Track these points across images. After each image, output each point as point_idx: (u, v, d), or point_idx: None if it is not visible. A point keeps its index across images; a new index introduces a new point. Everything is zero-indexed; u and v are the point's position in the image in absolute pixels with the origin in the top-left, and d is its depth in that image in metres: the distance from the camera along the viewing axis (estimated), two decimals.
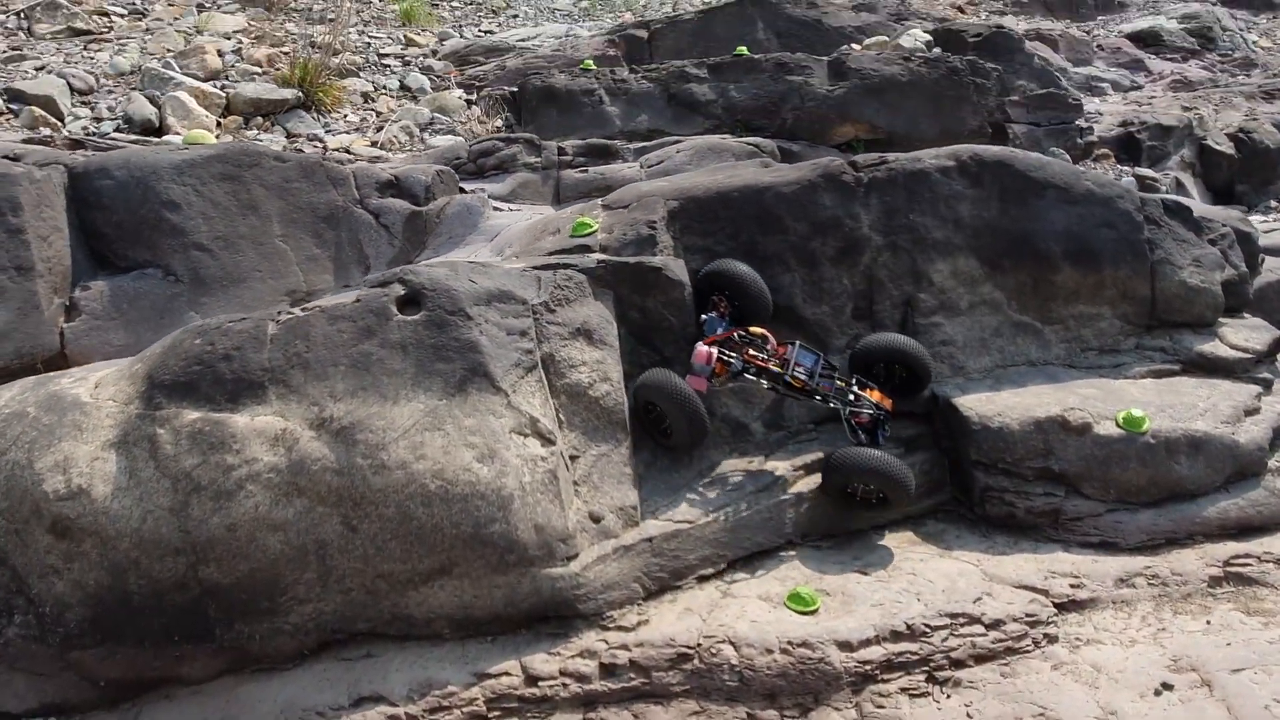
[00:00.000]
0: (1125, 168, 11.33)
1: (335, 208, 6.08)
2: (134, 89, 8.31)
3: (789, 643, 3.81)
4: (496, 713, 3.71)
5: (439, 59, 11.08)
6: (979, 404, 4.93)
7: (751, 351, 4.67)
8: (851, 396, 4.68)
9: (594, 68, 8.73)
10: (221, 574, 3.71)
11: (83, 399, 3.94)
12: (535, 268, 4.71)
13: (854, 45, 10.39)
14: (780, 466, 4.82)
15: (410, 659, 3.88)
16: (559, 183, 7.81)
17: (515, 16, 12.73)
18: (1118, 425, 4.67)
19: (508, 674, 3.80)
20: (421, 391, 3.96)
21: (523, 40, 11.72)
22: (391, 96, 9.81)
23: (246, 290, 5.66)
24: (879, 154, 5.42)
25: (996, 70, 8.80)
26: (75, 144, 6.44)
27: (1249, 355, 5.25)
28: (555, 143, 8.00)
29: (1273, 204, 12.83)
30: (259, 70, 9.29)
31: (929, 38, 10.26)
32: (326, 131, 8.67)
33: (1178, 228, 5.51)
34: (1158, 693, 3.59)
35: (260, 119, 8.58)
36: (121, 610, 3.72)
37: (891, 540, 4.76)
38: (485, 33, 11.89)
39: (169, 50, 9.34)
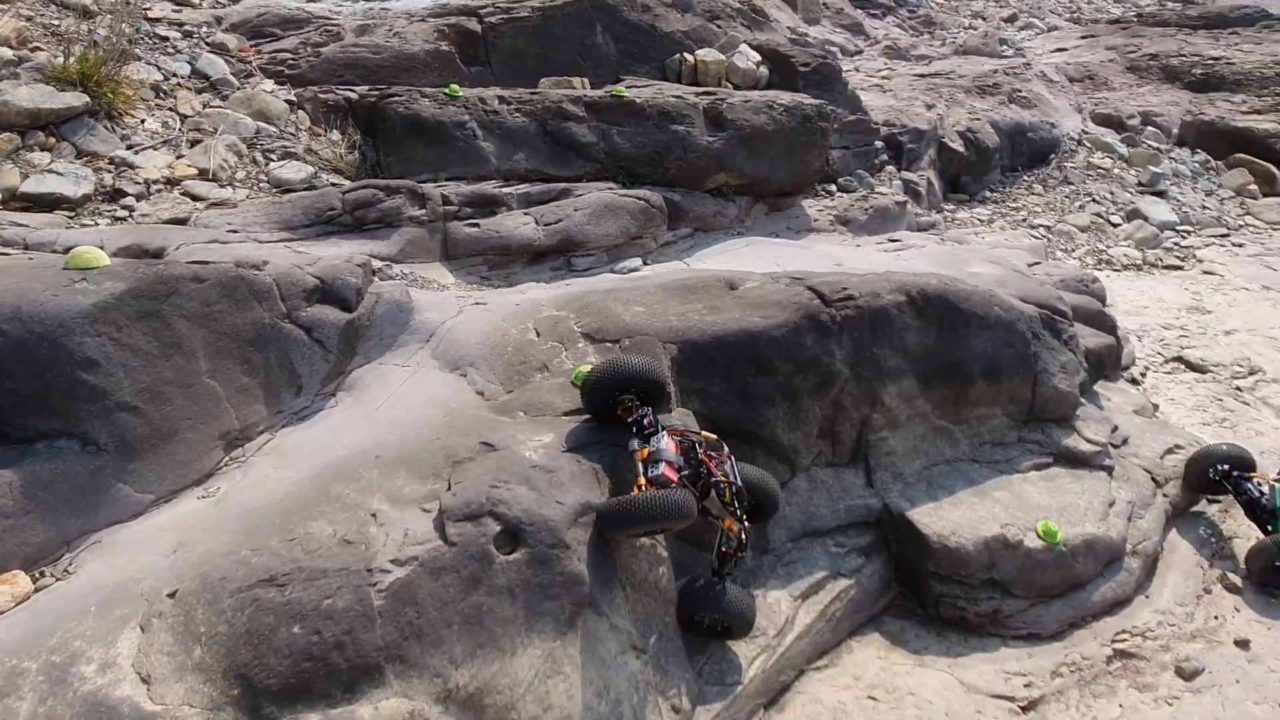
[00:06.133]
0: (893, 168, 12.79)
1: (261, 327, 5.30)
2: None
3: None
4: None
5: (224, 30, 9.46)
6: (930, 520, 5.73)
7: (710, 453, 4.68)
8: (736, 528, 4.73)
9: (461, 93, 8.05)
10: None
11: (144, 708, 3.32)
12: (572, 448, 4.60)
13: (687, 55, 10.50)
14: (781, 600, 5.30)
15: None
16: (447, 237, 7.33)
17: None
18: (1039, 536, 5.71)
19: None
20: (535, 636, 3.85)
21: (321, 6, 10.34)
22: (191, 90, 8.31)
23: (179, 445, 4.84)
24: (844, 289, 5.83)
25: (836, 114, 9.45)
26: None
27: (1099, 447, 6.57)
28: (438, 190, 7.43)
29: (987, 193, 15.27)
30: (10, 51, 7.38)
31: (758, 56, 10.64)
32: (128, 148, 7.25)
33: (1049, 339, 6.63)
34: None
35: (41, 134, 6.95)
36: None
37: (869, 649, 5.50)
38: None
39: None
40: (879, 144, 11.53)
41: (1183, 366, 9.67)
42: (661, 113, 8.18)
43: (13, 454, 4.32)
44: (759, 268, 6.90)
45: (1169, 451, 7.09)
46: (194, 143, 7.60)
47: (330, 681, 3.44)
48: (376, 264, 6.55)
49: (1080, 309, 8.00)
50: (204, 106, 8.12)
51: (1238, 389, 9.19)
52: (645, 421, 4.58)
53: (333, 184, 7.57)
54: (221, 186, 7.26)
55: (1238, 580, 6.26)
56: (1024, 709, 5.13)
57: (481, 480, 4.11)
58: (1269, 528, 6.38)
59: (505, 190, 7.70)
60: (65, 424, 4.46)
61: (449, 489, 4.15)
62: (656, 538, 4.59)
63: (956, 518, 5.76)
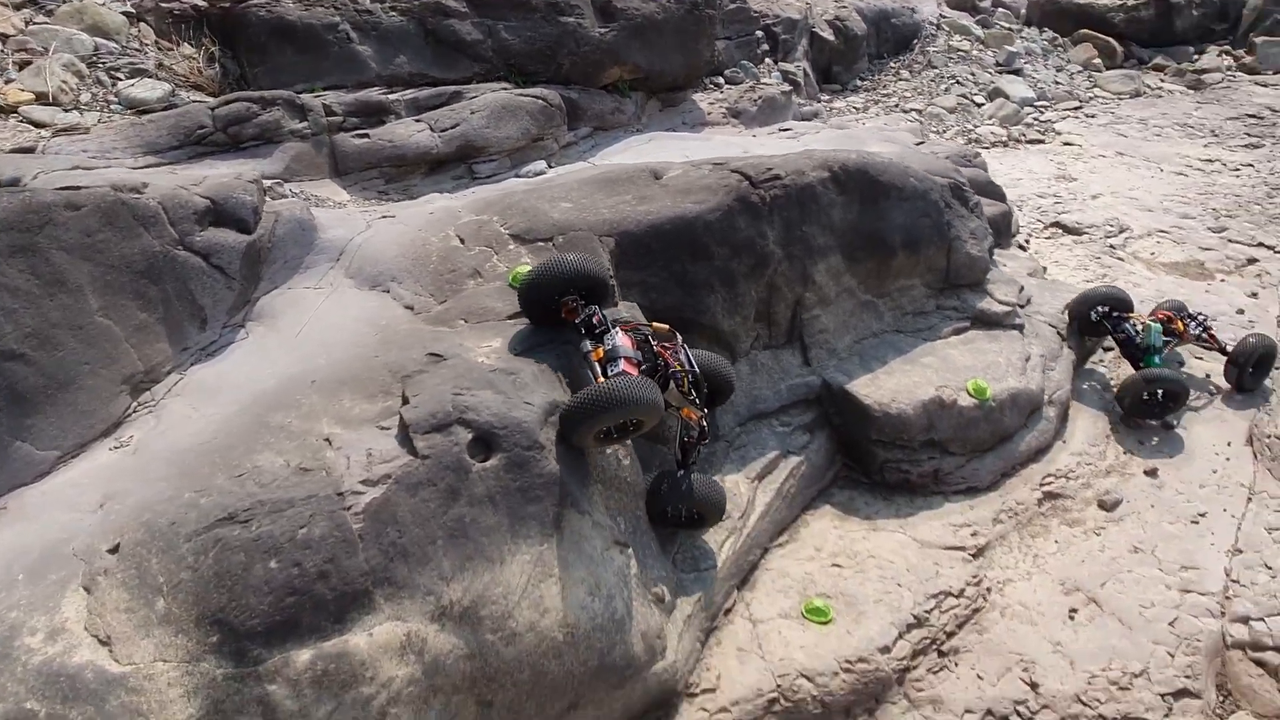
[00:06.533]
0: (770, 61, 12.71)
1: (153, 256, 4.76)
2: None
3: (848, 661, 4.54)
4: None
5: None
6: (869, 390, 5.86)
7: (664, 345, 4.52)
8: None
9: None
10: None
11: (110, 670, 3.00)
12: (523, 352, 4.38)
13: None
14: (740, 483, 5.33)
15: None
16: (335, 151, 6.80)
17: None
18: (970, 394, 5.94)
19: None
20: (522, 541, 3.70)
21: None
22: (7, 5, 7.26)
23: (79, 393, 4.35)
24: (769, 169, 5.73)
25: (718, 1, 9.21)
26: None
27: (1010, 308, 6.84)
28: (319, 100, 6.83)
29: (858, 82, 15.46)
30: None
31: None
32: None
33: (959, 207, 6.79)
34: (1071, 616, 5.03)
35: None
36: None
37: (824, 520, 5.64)
38: None
39: None
40: (759, 34, 11.38)
41: (1061, 231, 10.20)
42: (549, 4, 7.72)
43: None
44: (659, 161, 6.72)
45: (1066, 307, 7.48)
46: (23, 65, 6.67)
47: (318, 614, 3.20)
48: (265, 184, 5.98)
49: (973, 180, 8.22)
50: (26, 24, 7.12)
51: (1111, 247, 9.78)
52: (594, 320, 4.36)
53: (195, 101, 6.83)
54: (66, 111, 6.43)
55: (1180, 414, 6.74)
56: (974, 556, 5.39)
57: (441, 390, 3.85)
58: (1140, 364, 6.86)
59: (392, 97, 7.15)
60: None
61: (406, 403, 3.88)
62: (626, 444, 4.45)
63: (892, 386, 5.90)
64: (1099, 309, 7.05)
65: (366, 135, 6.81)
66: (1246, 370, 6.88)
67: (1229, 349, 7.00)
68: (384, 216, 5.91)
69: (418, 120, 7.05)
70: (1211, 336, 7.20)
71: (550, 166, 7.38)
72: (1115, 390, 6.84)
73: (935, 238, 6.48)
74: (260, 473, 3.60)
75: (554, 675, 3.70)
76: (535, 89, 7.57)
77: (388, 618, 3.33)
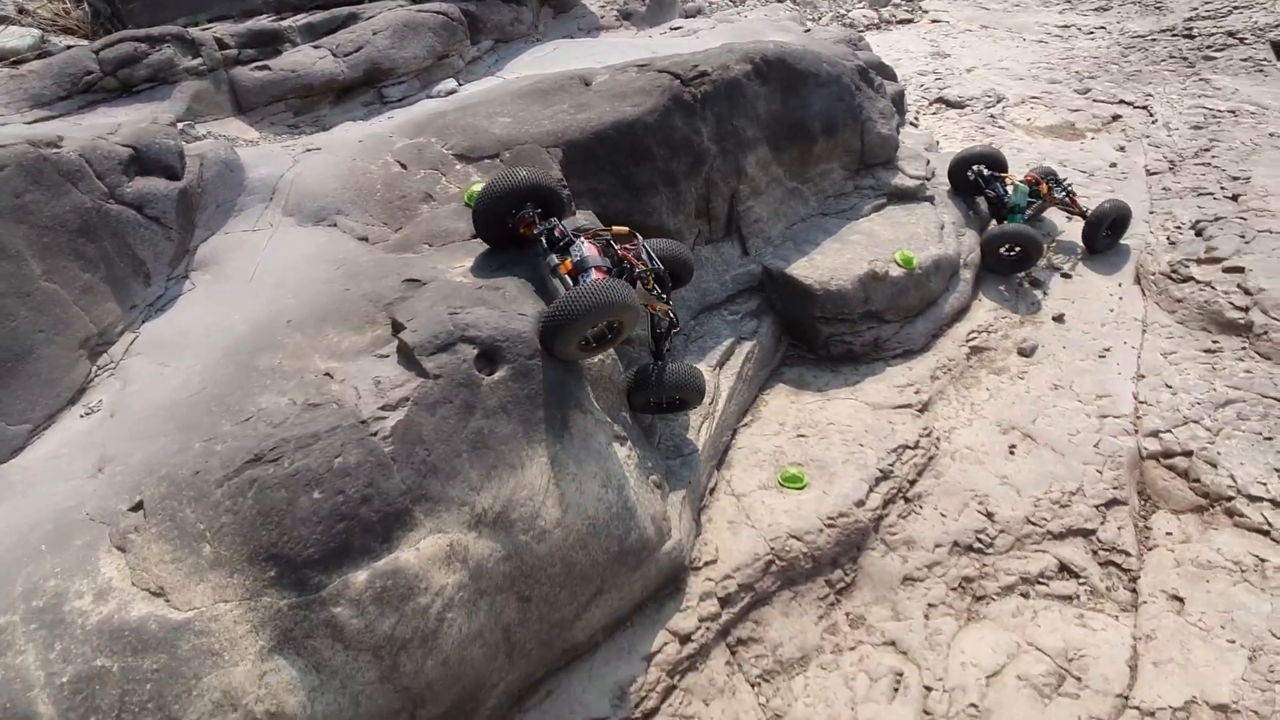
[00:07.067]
0: None
1: (86, 213, 4.53)
2: None
3: (829, 518, 4.96)
4: (676, 677, 4.30)
5: None
6: (808, 272, 6.18)
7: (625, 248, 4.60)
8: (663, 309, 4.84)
9: None
10: (438, 706, 3.49)
11: (173, 618, 3.04)
12: (496, 270, 4.45)
13: None
14: (704, 371, 5.60)
15: (586, 677, 4.16)
16: (235, 86, 6.49)
17: None
18: (899, 265, 6.35)
19: (666, 644, 4.35)
20: (538, 445, 3.86)
21: None
22: None
23: (39, 363, 4.19)
24: (695, 66, 5.82)
25: None
26: None
27: (920, 181, 7.26)
28: (208, 33, 6.46)
29: None
30: None
31: None
32: None
33: (867, 90, 7.07)
34: (1011, 452, 5.60)
35: None
36: None
37: (781, 397, 6.01)
38: None
39: None
40: None
41: (944, 106, 10.70)
42: None
43: None
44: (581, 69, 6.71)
45: None
46: None
47: (367, 536, 3.30)
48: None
49: (868, 62, 8.53)
50: None
51: (991, 116, 10.36)
52: (556, 233, 4.40)
53: (73, 46, 6.34)
54: None
55: (1038, 275, 7.35)
56: (920, 411, 5.88)
57: (435, 311, 3.90)
58: (1003, 221, 7.43)
59: (284, 24, 6.81)
60: None
61: (399, 330, 3.91)
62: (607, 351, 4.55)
63: (829, 265, 6.24)
64: (974, 168, 7.54)
65: (266, 67, 6.50)
66: (1101, 232, 7.44)
67: (1088, 214, 7.57)
68: (309, 149, 5.73)
69: (316, 46, 6.76)
70: (1073, 200, 7.78)
71: (460, 85, 7.23)
72: (980, 243, 7.22)
73: (850, 121, 6.77)
74: (268, 414, 3.60)
75: (582, 565, 3.94)
76: (433, 3, 7.34)
77: (430, 531, 3.46)
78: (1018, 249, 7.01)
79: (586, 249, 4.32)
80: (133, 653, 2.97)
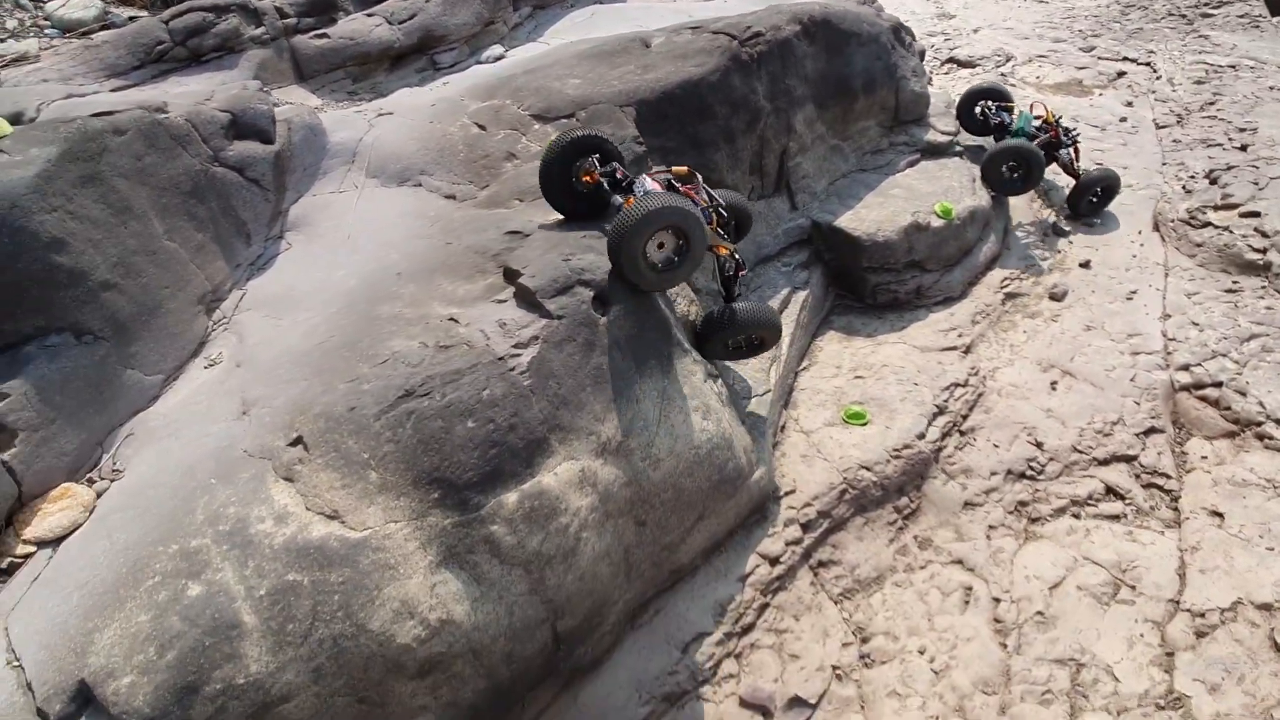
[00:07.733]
0: None
1: (195, 175, 4.77)
2: None
3: (894, 450, 5.32)
4: (769, 596, 4.67)
5: None
6: (855, 224, 6.50)
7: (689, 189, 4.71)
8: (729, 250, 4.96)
9: None
10: (573, 619, 3.83)
11: (351, 537, 3.35)
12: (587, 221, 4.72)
13: None
14: None
15: (689, 596, 4.52)
16: (296, 55, 6.68)
17: None
18: (938, 216, 6.68)
19: (759, 566, 4.71)
20: (648, 379, 4.17)
21: None
22: None
23: (166, 317, 4.45)
24: (749, 27, 6.07)
25: None
26: None
27: (951, 136, 7.57)
28: (270, 2, 6.63)
29: None
30: None
31: None
32: None
33: (900, 49, 7.35)
34: (1053, 387, 5.98)
35: None
36: (491, 704, 3.66)
37: (834, 343, 6.35)
38: None
39: None
40: None
41: (956, 65, 11.00)
42: None
43: (8, 364, 3.79)
44: (622, 32, 6.93)
45: None
46: None
47: (514, 461, 3.61)
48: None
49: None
50: None
51: (1002, 75, 10.66)
52: (618, 175, 4.56)
53: (131, 18, 6.49)
54: (1, 40, 6.01)
55: (1062, 223, 7.70)
56: (965, 353, 6.24)
57: (549, 258, 4.19)
58: None
59: None
60: (50, 318, 3.95)
61: (513, 276, 4.19)
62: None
63: (873, 218, 6.56)
64: (982, 102, 7.86)
65: (325, 35, 6.68)
66: (1088, 197, 7.59)
67: (1080, 175, 7.68)
68: (381, 114, 5.95)
69: (370, 14, 6.95)
70: (1076, 151, 7.83)
71: (506, 51, 7.44)
72: (980, 167, 7.28)
73: (886, 79, 7.06)
74: (404, 356, 3.88)
75: (688, 491, 4.27)
76: None
77: (564, 458, 3.78)
78: (1020, 170, 7.12)
79: (650, 184, 4.50)
80: (319, 568, 3.27)
